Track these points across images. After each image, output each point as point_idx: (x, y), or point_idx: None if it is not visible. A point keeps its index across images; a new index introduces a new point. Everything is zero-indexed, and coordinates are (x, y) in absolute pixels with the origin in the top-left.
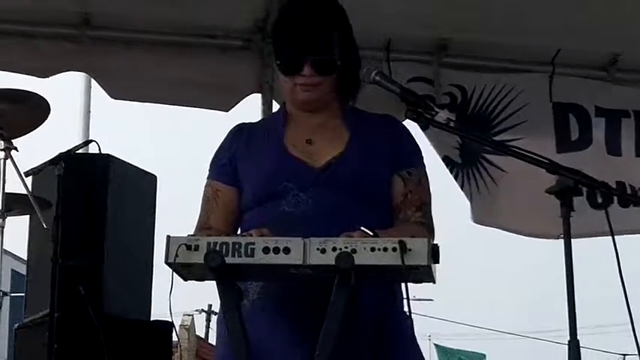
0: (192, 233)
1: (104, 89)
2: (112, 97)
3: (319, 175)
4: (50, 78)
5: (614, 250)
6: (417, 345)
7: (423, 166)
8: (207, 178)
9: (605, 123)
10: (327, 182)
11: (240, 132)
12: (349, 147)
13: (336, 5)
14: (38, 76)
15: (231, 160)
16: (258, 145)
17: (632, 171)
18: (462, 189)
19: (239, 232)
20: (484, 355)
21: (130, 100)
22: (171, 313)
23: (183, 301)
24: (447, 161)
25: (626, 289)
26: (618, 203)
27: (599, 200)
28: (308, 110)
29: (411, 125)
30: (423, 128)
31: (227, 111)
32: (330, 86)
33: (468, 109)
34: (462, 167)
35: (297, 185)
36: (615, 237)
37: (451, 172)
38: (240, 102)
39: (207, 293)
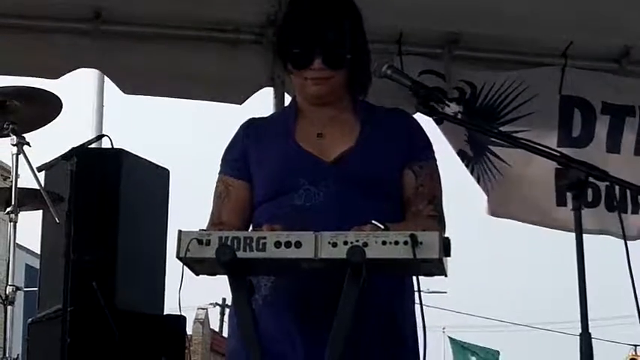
0: (204, 228)
1: (116, 85)
2: (124, 92)
3: (330, 169)
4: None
5: (625, 248)
6: (417, 339)
7: (434, 159)
8: (219, 173)
9: (610, 121)
10: (338, 176)
11: (251, 127)
12: (360, 141)
13: None
14: (49, 77)
15: (243, 154)
16: (269, 139)
17: (629, 169)
18: (477, 183)
19: (251, 226)
20: (498, 352)
21: (141, 95)
22: (180, 307)
23: (197, 295)
24: (462, 155)
25: (635, 285)
26: (605, 206)
27: (589, 199)
28: (319, 104)
29: (423, 119)
30: (438, 123)
31: (240, 104)
32: (340, 80)
33: (476, 103)
34: (475, 160)
35: (308, 179)
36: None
37: (467, 166)
38: (253, 96)
39: (221, 287)
